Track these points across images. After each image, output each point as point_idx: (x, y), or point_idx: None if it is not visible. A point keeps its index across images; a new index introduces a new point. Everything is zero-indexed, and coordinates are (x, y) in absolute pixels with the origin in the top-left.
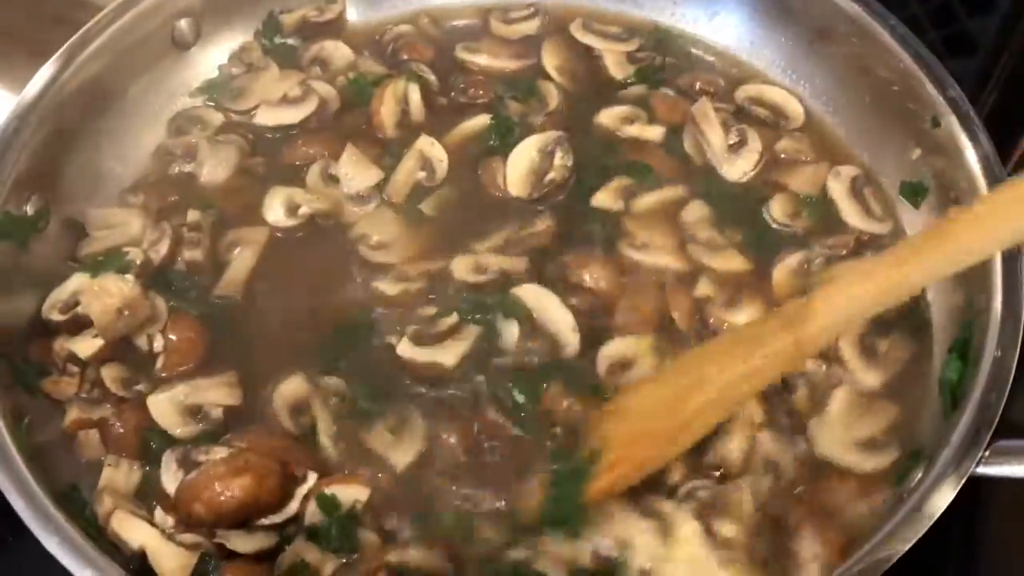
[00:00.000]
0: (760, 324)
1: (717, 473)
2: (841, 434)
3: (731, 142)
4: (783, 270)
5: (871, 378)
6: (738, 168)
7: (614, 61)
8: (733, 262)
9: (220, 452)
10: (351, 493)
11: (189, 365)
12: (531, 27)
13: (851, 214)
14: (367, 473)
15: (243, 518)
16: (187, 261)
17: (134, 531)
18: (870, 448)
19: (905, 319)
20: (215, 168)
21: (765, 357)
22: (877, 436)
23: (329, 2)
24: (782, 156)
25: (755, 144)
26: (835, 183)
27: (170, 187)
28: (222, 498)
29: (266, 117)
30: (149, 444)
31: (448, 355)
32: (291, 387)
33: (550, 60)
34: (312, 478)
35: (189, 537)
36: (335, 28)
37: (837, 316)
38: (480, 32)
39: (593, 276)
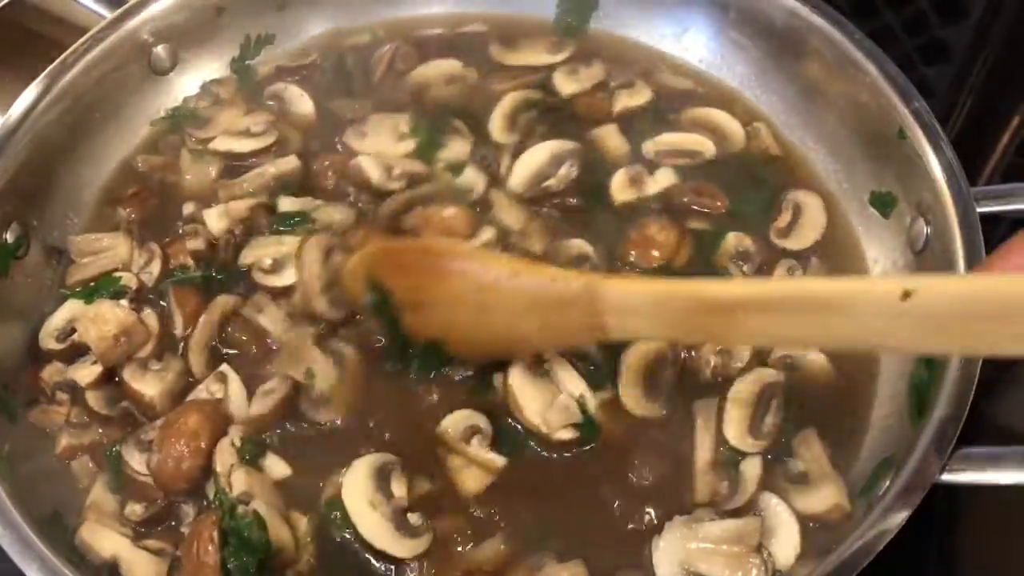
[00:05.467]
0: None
1: None
2: None
3: None
4: None
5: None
6: None
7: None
8: None
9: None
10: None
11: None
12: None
13: None
14: None
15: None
16: (191, 251)
17: (104, 540)
18: None
19: None
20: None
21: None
22: None
23: (302, 55)
24: None
25: None
26: None
27: (150, 196)
28: (189, 449)
29: (223, 143)
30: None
31: None
32: None
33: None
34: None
35: (154, 544)
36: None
37: (634, 303)
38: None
39: None
